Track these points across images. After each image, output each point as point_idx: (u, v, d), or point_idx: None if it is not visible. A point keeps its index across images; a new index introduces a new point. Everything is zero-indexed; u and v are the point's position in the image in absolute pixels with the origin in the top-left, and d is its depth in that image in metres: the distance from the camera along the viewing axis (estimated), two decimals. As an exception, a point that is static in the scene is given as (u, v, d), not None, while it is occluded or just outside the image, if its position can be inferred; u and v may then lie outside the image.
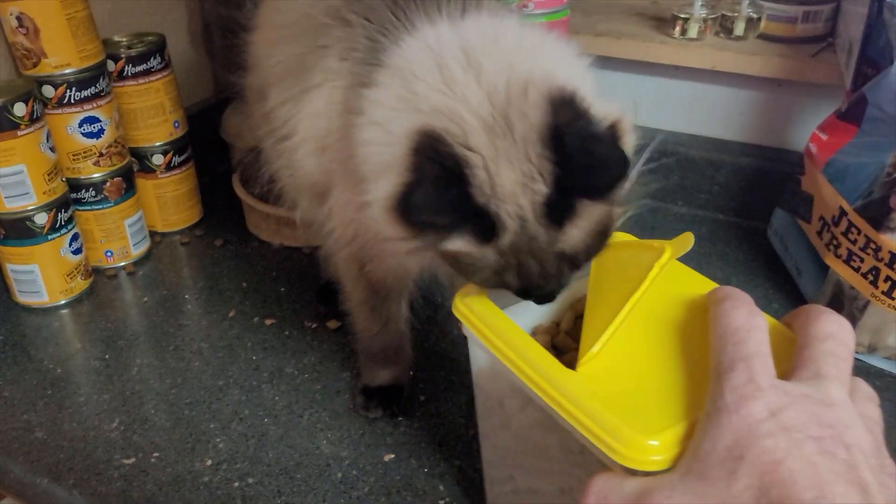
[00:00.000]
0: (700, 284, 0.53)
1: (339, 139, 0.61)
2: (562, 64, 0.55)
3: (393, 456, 0.70)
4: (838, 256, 0.80)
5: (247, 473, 0.69)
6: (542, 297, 0.55)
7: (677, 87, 1.06)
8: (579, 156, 0.48)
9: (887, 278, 0.74)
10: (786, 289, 0.89)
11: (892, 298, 0.74)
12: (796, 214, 0.89)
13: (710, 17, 1.00)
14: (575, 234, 0.51)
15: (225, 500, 0.66)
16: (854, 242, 0.77)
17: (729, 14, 1.00)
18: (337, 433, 0.73)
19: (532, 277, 0.52)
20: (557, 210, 0.50)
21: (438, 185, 0.49)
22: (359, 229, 0.66)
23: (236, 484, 0.68)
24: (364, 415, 0.74)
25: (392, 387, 0.76)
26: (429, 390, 0.78)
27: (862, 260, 0.77)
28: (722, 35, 1.02)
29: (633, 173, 0.53)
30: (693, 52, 1.00)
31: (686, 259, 0.54)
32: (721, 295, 0.42)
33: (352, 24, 0.60)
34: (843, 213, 0.79)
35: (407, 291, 0.74)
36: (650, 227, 1.04)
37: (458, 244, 0.51)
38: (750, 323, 0.40)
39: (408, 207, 0.50)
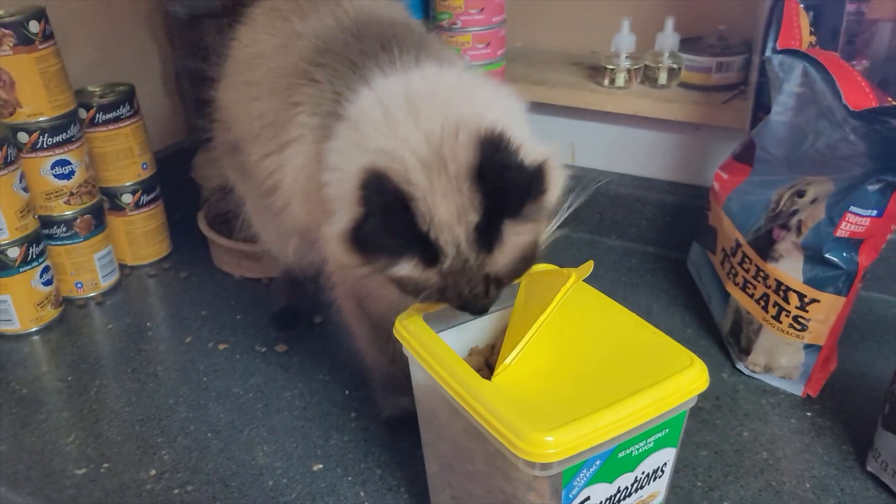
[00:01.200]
0: (602, 304, 0.64)
1: (317, 188, 0.68)
2: (495, 107, 0.63)
3: (321, 466, 0.77)
4: (736, 284, 0.87)
5: (187, 482, 0.75)
6: (477, 311, 0.63)
7: (607, 130, 1.15)
8: (497, 182, 0.57)
9: (775, 304, 0.82)
10: (699, 314, 0.97)
11: (780, 322, 0.82)
12: (705, 246, 0.97)
13: (634, 67, 1.10)
14: (501, 258, 0.60)
15: (165, 506, 0.73)
16: (748, 271, 0.85)
17: (651, 65, 1.09)
18: (272, 446, 0.80)
19: (464, 296, 0.60)
20: (487, 236, 0.58)
21: (386, 216, 0.57)
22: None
23: (176, 491, 0.74)
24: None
25: (409, 412, 0.74)
26: (361, 408, 0.85)
27: (755, 287, 0.84)
28: (647, 84, 1.11)
29: (557, 200, 0.62)
30: (618, 99, 1.09)
31: (616, 288, 0.64)
32: None
33: (320, 82, 0.68)
34: (738, 244, 0.87)
35: None
36: (586, 259, 1.12)
37: (405, 269, 0.59)
38: None
39: (360, 236, 0.58)
